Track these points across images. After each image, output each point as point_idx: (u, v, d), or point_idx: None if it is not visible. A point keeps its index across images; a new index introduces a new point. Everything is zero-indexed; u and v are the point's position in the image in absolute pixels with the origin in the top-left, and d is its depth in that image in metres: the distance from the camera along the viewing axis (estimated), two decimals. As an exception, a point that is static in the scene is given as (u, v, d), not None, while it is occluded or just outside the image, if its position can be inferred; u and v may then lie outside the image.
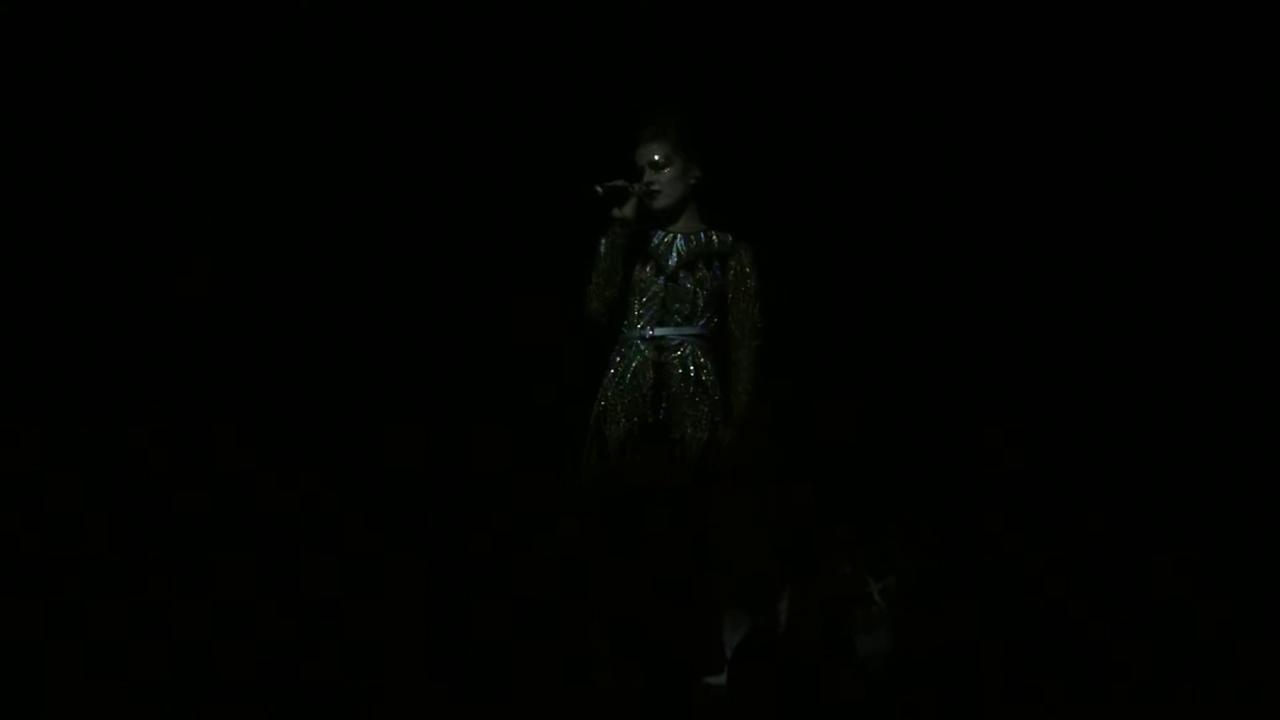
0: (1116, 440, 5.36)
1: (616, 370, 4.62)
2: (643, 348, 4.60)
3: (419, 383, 5.50)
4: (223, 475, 5.16)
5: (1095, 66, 5.39)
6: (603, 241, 4.61)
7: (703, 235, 4.66)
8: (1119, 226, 5.46)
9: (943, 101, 5.45)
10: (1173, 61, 5.34)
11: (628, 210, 4.58)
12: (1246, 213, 5.33)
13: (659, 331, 4.60)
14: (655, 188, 4.60)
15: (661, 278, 4.62)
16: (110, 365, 5.30)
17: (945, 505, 5.26)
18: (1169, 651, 4.63)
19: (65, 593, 4.65)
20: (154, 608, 4.62)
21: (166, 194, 5.42)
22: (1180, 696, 4.39)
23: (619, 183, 4.57)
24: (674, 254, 4.64)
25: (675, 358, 4.58)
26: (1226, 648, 4.58)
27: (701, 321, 4.61)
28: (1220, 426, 5.27)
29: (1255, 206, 5.32)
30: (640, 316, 4.62)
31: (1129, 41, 5.37)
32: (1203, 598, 4.84)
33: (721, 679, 4.59)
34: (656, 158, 4.59)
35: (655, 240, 4.65)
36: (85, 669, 4.26)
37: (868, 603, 5.09)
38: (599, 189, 4.55)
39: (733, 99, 5.40)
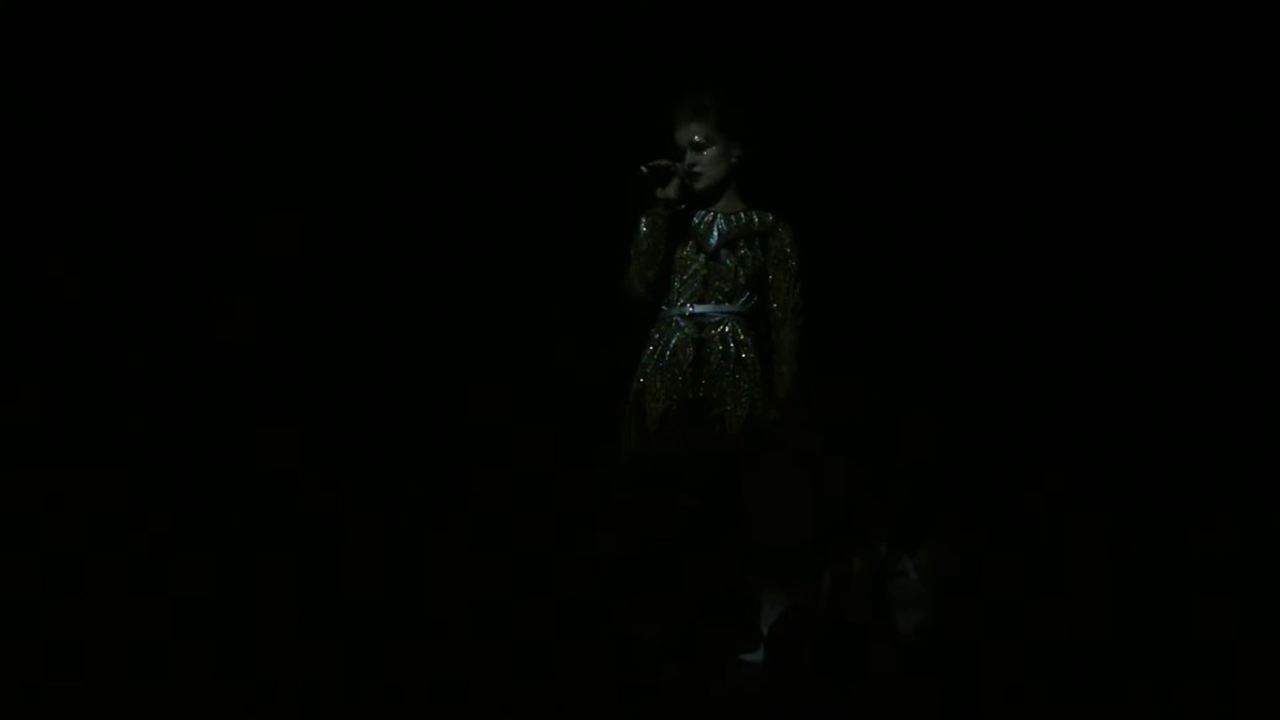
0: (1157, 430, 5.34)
1: (656, 347, 4.61)
2: (683, 324, 4.59)
3: (451, 374, 5.51)
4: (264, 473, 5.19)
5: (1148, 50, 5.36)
6: (643, 221, 4.60)
7: (743, 215, 4.65)
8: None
9: (994, 78, 5.42)
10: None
11: (671, 190, 4.57)
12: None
13: (699, 309, 4.59)
14: (697, 169, 4.58)
15: (703, 255, 4.61)
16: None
17: (983, 490, 5.25)
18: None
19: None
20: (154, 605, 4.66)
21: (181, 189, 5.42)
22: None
23: (663, 162, 4.57)
24: (715, 233, 4.63)
25: (715, 334, 4.57)
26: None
27: (742, 300, 4.60)
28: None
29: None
30: (680, 294, 4.61)
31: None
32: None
33: (758, 656, 4.60)
34: (697, 138, 4.58)
35: (696, 220, 4.64)
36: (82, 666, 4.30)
37: (903, 579, 5.10)
38: (644, 168, 4.54)
39: (771, 75, 5.36)
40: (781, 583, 4.83)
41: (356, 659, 4.47)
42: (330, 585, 4.95)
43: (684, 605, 4.40)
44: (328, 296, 5.50)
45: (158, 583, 4.84)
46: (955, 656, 4.78)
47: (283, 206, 5.38)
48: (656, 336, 4.63)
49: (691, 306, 4.59)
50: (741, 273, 4.59)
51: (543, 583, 5.01)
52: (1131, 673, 4.52)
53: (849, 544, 5.05)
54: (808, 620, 4.75)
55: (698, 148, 4.58)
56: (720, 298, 4.59)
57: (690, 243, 4.62)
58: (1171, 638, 4.65)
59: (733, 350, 4.56)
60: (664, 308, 4.62)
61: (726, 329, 4.58)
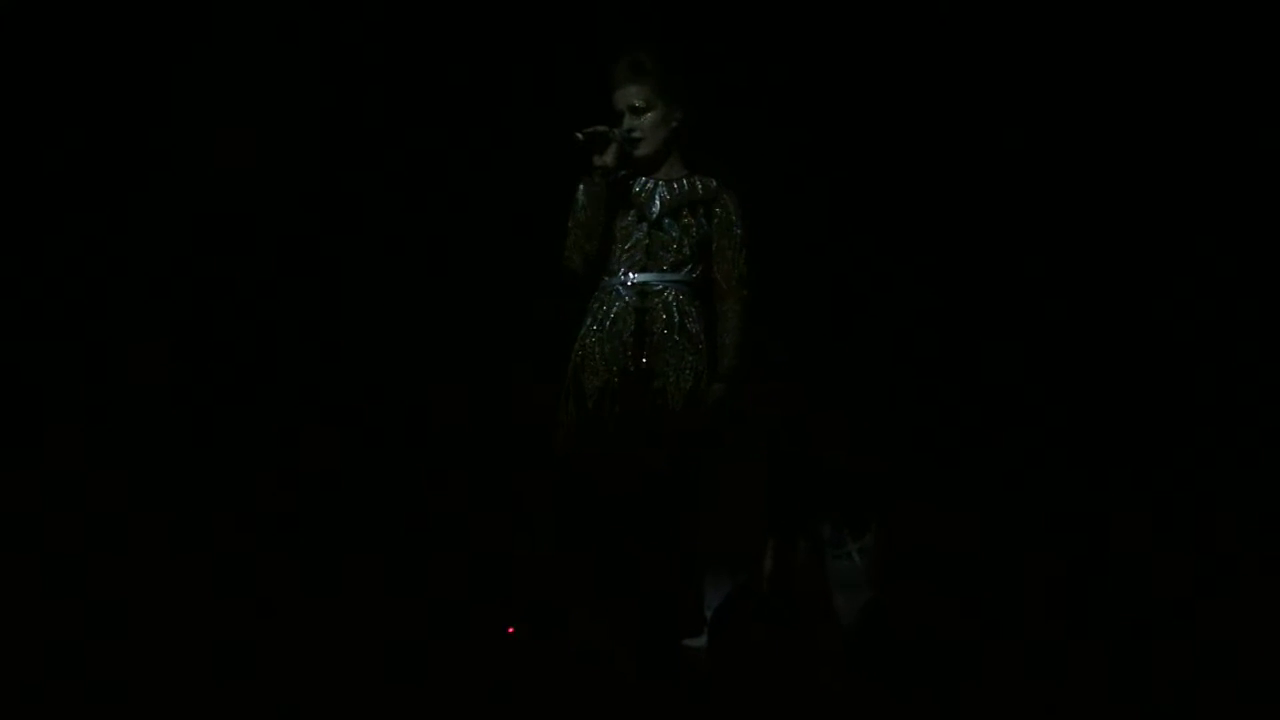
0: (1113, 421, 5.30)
1: (595, 318, 4.37)
2: (624, 294, 4.36)
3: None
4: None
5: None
6: (580, 190, 4.36)
7: (685, 182, 4.42)
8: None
9: (948, 48, 5.25)
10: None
11: (609, 157, 4.32)
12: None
13: (641, 277, 4.37)
14: (636, 134, 4.35)
15: (645, 225, 4.39)
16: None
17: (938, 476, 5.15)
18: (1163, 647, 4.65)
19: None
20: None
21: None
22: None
23: (600, 128, 4.31)
24: (656, 201, 4.41)
25: (658, 303, 4.35)
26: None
27: (687, 269, 4.39)
28: (1225, 422, 5.20)
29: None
30: (622, 263, 4.37)
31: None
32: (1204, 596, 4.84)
33: (701, 642, 4.43)
34: (637, 102, 4.33)
35: (637, 187, 4.42)
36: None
37: (847, 562, 5.02)
38: (579, 135, 4.30)
39: (715, 32, 5.13)
40: (725, 566, 4.66)
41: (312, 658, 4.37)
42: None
43: (625, 590, 4.22)
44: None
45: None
46: (899, 640, 4.73)
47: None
48: (596, 306, 4.38)
49: (634, 275, 4.38)
50: (686, 242, 4.37)
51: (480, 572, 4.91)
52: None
53: (793, 526, 4.94)
54: (752, 605, 4.64)
55: (637, 112, 4.34)
56: (664, 267, 4.37)
57: (631, 211, 4.39)
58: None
59: (676, 320, 4.34)
60: (605, 278, 4.40)
61: (670, 298, 4.36)
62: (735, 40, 5.25)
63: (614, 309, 4.37)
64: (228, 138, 5.20)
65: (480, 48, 5.33)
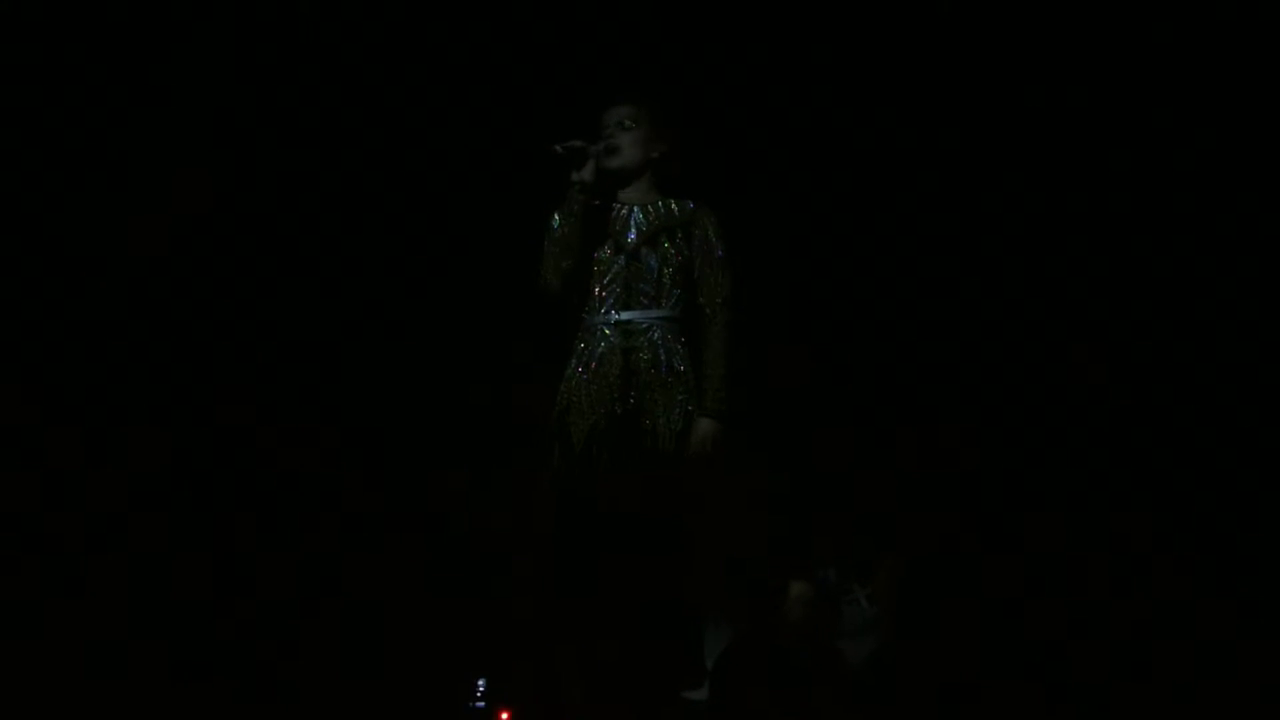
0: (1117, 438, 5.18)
1: (580, 359, 4.21)
2: (608, 333, 4.20)
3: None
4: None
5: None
6: (556, 214, 4.23)
7: (660, 205, 4.29)
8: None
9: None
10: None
11: (586, 173, 4.20)
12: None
13: (625, 316, 4.20)
14: (615, 144, 4.24)
15: (622, 256, 4.24)
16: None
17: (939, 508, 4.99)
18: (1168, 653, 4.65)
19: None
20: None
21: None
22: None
23: (577, 143, 4.20)
24: (632, 228, 4.26)
25: (644, 342, 4.19)
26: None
27: (670, 302, 4.22)
28: (1227, 429, 5.08)
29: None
30: (603, 300, 4.22)
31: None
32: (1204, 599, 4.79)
33: (702, 694, 4.26)
34: (625, 121, 4.26)
35: (612, 214, 4.27)
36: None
37: (854, 607, 4.83)
38: (558, 148, 4.19)
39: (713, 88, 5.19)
40: (726, 614, 4.52)
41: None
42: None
43: (621, 639, 4.01)
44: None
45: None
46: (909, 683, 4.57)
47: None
48: (581, 347, 4.23)
49: (616, 314, 4.21)
50: (666, 272, 4.22)
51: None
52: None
53: (795, 570, 4.77)
54: (755, 654, 4.44)
55: (621, 127, 4.25)
56: (646, 301, 4.21)
57: (608, 242, 4.25)
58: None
59: (663, 359, 4.18)
60: (585, 316, 4.23)
61: (656, 336, 4.20)
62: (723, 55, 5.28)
63: (599, 350, 4.21)
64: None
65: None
